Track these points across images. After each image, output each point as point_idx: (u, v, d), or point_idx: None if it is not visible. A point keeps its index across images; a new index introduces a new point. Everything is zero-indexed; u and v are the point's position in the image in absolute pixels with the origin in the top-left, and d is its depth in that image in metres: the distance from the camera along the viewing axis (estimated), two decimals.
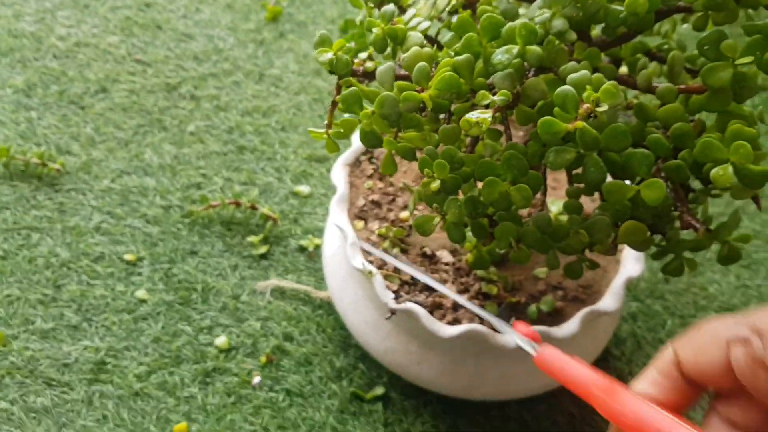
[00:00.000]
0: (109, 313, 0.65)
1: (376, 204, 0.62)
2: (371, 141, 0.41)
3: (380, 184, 0.63)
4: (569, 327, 0.54)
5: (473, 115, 0.37)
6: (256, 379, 0.63)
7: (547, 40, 0.40)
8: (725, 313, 0.74)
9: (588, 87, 0.36)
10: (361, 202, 0.61)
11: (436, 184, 0.39)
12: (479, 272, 0.58)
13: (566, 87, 0.36)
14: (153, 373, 0.62)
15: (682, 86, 0.41)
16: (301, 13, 0.98)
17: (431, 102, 0.38)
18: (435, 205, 0.42)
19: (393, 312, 0.54)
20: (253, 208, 0.73)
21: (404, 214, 0.61)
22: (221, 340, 0.65)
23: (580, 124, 0.35)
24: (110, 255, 0.69)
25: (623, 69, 0.48)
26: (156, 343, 0.64)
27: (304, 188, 0.77)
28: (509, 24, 0.38)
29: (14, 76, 0.83)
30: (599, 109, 0.35)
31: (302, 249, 0.72)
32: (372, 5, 0.45)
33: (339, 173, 0.62)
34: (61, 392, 0.60)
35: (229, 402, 0.61)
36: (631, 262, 0.58)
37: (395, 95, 0.39)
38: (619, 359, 0.68)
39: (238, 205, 0.73)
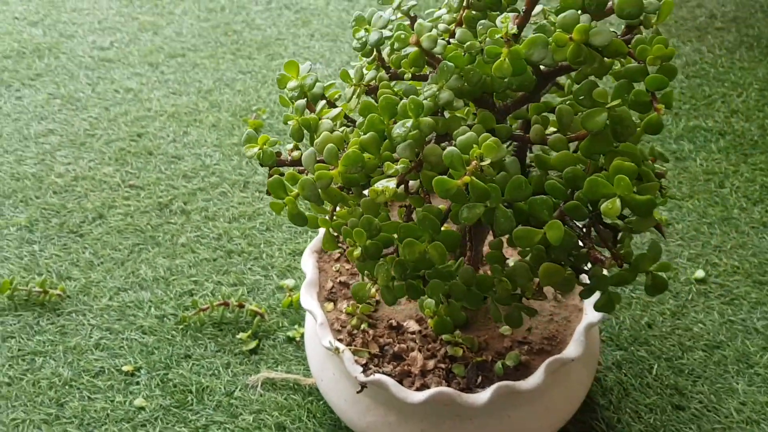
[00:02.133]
0: (110, 424, 0.68)
1: (344, 285, 0.65)
2: (298, 221, 0.45)
3: (347, 266, 0.67)
4: (534, 378, 0.56)
5: (379, 185, 0.41)
6: None
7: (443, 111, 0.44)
8: (713, 350, 0.74)
9: (475, 146, 0.40)
10: (329, 284, 0.65)
11: (357, 252, 0.43)
12: (445, 337, 0.60)
13: (452, 148, 0.40)
14: None
15: (572, 135, 0.44)
16: (280, 123, 1.05)
17: (341, 178, 0.42)
18: (366, 272, 0.46)
19: (363, 385, 0.57)
20: (241, 306, 0.77)
21: (372, 291, 0.64)
22: None
23: (467, 179, 0.39)
24: (109, 368, 0.73)
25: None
26: None
27: (289, 282, 0.81)
28: (403, 101, 0.43)
29: (17, 214, 0.90)
30: (483, 163, 0.39)
31: (290, 339, 0.75)
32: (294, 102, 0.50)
33: (307, 260, 0.66)
34: None
35: None
36: (591, 309, 0.60)
37: (313, 178, 0.44)
38: (606, 408, 0.69)
39: (226, 305, 0.77)
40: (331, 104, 0.52)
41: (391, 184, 0.41)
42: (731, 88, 1.11)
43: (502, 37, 0.40)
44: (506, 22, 0.41)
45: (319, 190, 0.44)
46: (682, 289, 0.81)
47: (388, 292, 0.45)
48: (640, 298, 0.80)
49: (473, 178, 0.39)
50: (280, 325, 0.77)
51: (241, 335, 0.75)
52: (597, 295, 0.47)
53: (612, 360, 0.73)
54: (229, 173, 0.96)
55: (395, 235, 0.45)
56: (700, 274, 0.82)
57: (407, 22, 0.49)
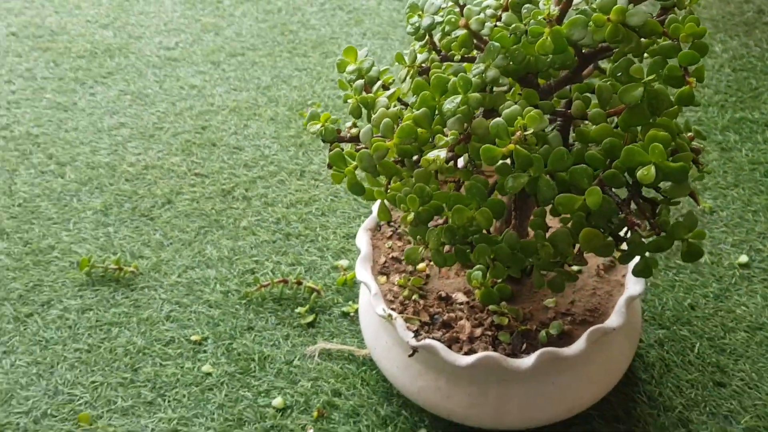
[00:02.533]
0: (180, 387, 0.74)
1: (396, 260, 0.70)
2: (357, 190, 0.49)
3: (399, 243, 0.71)
4: (577, 346, 0.59)
5: (431, 154, 0.46)
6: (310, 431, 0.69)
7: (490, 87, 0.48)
8: (755, 331, 0.76)
9: (519, 118, 0.44)
10: (382, 260, 0.69)
11: (410, 217, 0.47)
12: (492, 307, 0.64)
13: (498, 119, 0.44)
14: None
15: (611, 110, 0.48)
16: (335, 116, 1.10)
17: (396, 149, 0.47)
18: (418, 237, 0.50)
19: (415, 349, 0.61)
20: (299, 283, 0.82)
21: (422, 265, 0.68)
22: (277, 401, 0.72)
23: (511, 146, 0.43)
24: (179, 338, 0.79)
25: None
26: (221, 410, 0.72)
27: (343, 262, 0.86)
28: (452, 80, 0.47)
29: (93, 200, 0.97)
30: (527, 133, 0.43)
31: (345, 314, 0.80)
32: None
33: (362, 237, 0.70)
34: None
35: None
36: (632, 283, 0.64)
37: (370, 151, 0.48)
38: (648, 383, 0.72)
39: (285, 282, 0.82)
40: (386, 87, 0.57)
41: (442, 153, 0.46)
42: None
43: (544, 18, 0.44)
44: (548, 4, 0.45)
45: (376, 162, 0.48)
46: (725, 273, 0.83)
47: (438, 256, 0.50)
48: (684, 282, 0.82)
49: (517, 146, 0.43)
50: (336, 301, 0.82)
51: (299, 309, 0.80)
52: (636, 262, 0.51)
53: (654, 338, 0.76)
54: (287, 163, 1.02)
55: (445, 205, 0.49)
56: (743, 259, 0.84)
57: (457, 9, 0.53)
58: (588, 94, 0.54)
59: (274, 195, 0.97)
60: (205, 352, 0.77)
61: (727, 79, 1.13)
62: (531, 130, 0.43)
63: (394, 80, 0.58)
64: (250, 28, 1.33)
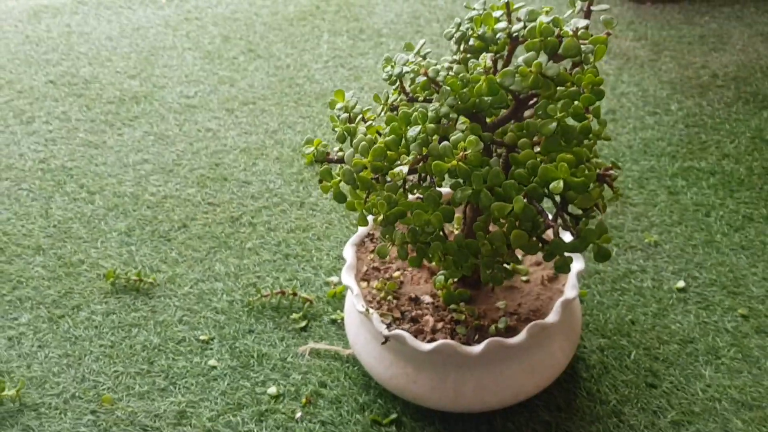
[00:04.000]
0: (189, 377, 0.87)
1: (377, 269, 0.83)
2: (340, 198, 0.63)
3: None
4: (519, 337, 0.72)
5: (397, 169, 0.60)
6: (298, 414, 0.81)
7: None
8: (686, 344, 0.89)
9: (461, 143, 0.58)
10: (364, 269, 0.83)
11: (380, 218, 0.61)
12: (452, 306, 0.77)
13: (446, 143, 0.58)
14: (221, 416, 0.82)
15: (536, 140, 0.62)
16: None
17: (370, 166, 0.61)
18: (387, 236, 0.64)
19: (386, 338, 0.74)
20: (295, 294, 0.95)
21: (397, 273, 0.82)
22: (272, 390, 0.84)
23: (455, 163, 0.57)
24: (189, 338, 0.92)
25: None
26: (223, 396, 0.84)
27: (334, 278, 0.99)
28: (414, 113, 0.62)
29: (118, 223, 1.11)
30: (467, 153, 0.57)
31: (333, 321, 0.93)
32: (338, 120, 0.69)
33: (348, 250, 0.84)
34: None
35: None
36: (568, 290, 0.77)
37: (351, 167, 0.62)
38: (588, 380, 0.84)
39: (283, 293, 0.95)
40: (366, 120, 0.72)
41: (405, 169, 0.60)
42: (725, 135, 1.27)
43: (483, 69, 0.59)
44: (485, 59, 0.59)
45: (355, 176, 0.62)
46: (664, 296, 0.96)
47: (402, 250, 0.63)
48: (627, 301, 0.95)
49: (459, 162, 0.57)
50: (326, 310, 0.95)
51: (294, 316, 0.93)
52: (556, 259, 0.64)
53: (596, 345, 0.88)
54: (289, 195, 1.16)
55: (408, 213, 0.63)
56: (681, 284, 0.97)
57: (423, 61, 0.68)
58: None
59: (276, 222, 1.11)
60: (211, 349, 0.90)
61: (680, 133, 1.28)
62: (470, 151, 0.57)
63: (375, 119, 0.72)
64: (262, 81, 1.50)
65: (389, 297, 0.79)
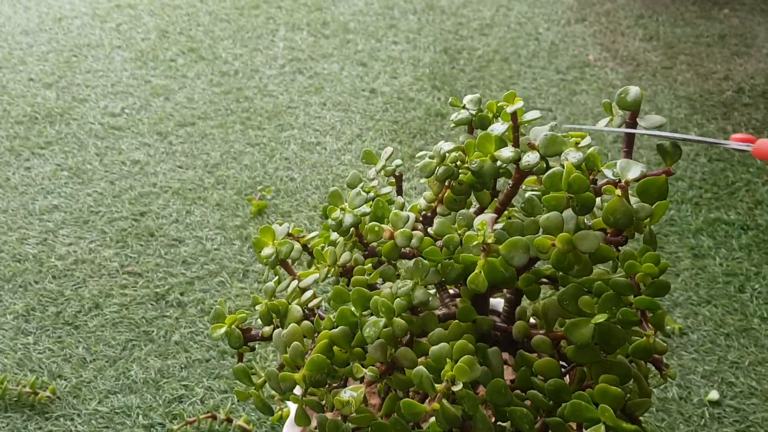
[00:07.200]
0: None
1: None
2: (265, 411, 0.42)
3: None
4: None
5: (345, 395, 0.39)
6: None
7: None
8: None
9: (448, 361, 0.37)
10: None
11: None
12: None
13: (420, 368, 0.37)
14: None
15: (557, 333, 0.41)
16: (285, 203, 1.03)
17: (303, 382, 0.39)
18: None
19: None
20: (229, 420, 0.74)
21: None
22: None
23: (436, 406, 0.36)
24: None
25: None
26: None
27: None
28: (374, 298, 0.40)
29: (15, 301, 0.89)
30: (455, 388, 0.36)
31: None
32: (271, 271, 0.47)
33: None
34: None
35: None
36: None
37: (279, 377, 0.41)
38: None
39: (214, 418, 0.74)
40: (310, 252, 0.50)
41: (358, 393, 0.38)
42: (756, 174, 1.06)
43: (478, 244, 0.37)
44: (483, 228, 0.37)
45: (281, 386, 0.41)
46: (694, 413, 0.77)
47: None
48: (650, 423, 0.75)
49: (444, 402, 0.36)
50: None
51: None
52: None
53: None
54: (229, 260, 0.94)
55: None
56: (714, 395, 0.78)
57: (387, 190, 0.46)
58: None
59: (212, 301, 0.89)
60: None
61: (702, 170, 1.07)
62: (459, 385, 0.36)
63: (323, 246, 0.50)
64: (203, 93, 1.25)
65: None
